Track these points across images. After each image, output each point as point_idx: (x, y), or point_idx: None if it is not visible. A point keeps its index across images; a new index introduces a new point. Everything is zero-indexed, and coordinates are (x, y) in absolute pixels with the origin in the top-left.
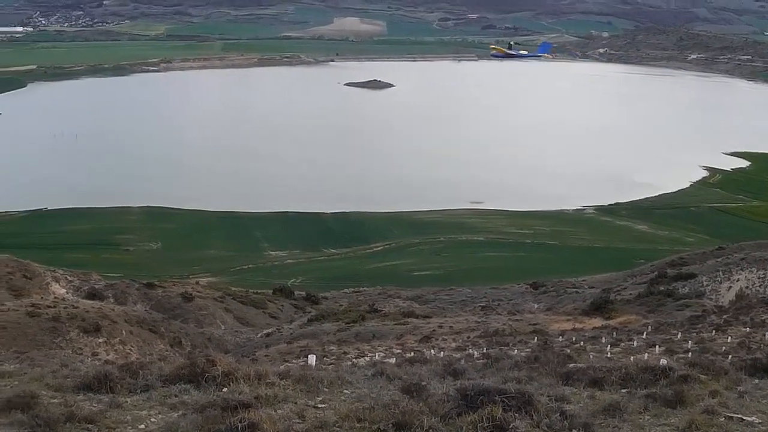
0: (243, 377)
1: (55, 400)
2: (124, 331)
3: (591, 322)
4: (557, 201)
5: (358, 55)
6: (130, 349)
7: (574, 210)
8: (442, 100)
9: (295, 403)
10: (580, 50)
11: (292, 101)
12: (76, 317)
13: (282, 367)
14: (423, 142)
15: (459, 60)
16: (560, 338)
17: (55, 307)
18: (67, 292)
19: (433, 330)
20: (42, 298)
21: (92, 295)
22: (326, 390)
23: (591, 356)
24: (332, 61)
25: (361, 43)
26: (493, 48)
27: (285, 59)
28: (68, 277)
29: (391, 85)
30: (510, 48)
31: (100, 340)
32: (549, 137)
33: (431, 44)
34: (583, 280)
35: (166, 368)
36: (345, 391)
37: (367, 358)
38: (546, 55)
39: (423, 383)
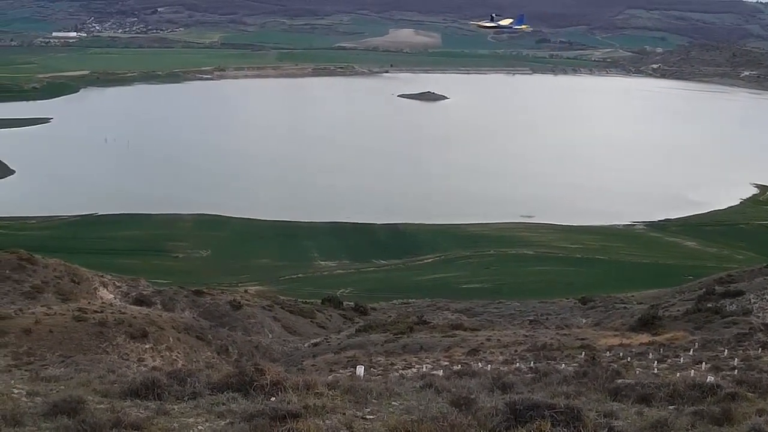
0: (292, 387)
1: (102, 406)
2: (171, 338)
3: (638, 338)
4: (608, 216)
5: (413, 66)
6: (176, 356)
7: (624, 225)
8: (494, 113)
9: (344, 413)
10: (634, 65)
11: (346, 112)
12: (123, 323)
13: (330, 377)
14: (475, 154)
15: (513, 73)
16: (608, 353)
17: (102, 312)
18: (115, 298)
19: (481, 343)
20: (89, 302)
21: (140, 301)
22: (374, 401)
23: (638, 372)
24: (386, 72)
25: (415, 55)
26: (476, 24)
27: (339, 69)
28: (116, 283)
29: (444, 98)
30: (492, 19)
31: (147, 346)
32: (601, 152)
33: (485, 57)
34: (632, 296)
35: (214, 376)
36: (393, 403)
37: (414, 370)
38: (523, 26)
39: (472, 396)
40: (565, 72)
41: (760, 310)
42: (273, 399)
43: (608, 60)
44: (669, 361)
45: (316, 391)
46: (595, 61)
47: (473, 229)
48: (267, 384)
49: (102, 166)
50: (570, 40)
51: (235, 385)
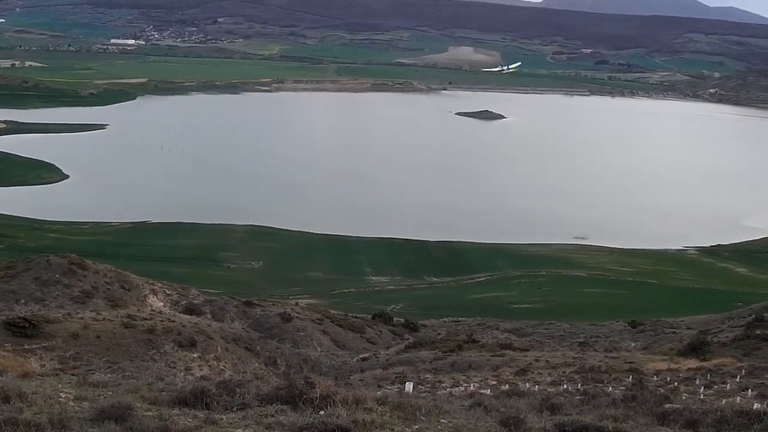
0: (341, 401)
1: (150, 413)
2: (219, 348)
3: (686, 363)
4: (661, 240)
5: (471, 84)
6: (224, 366)
7: (676, 250)
8: (551, 133)
9: (392, 429)
10: (691, 90)
11: (403, 128)
12: (171, 331)
13: (378, 392)
14: (530, 174)
15: (571, 94)
16: (655, 378)
17: (151, 319)
18: (165, 306)
19: (530, 363)
20: (139, 309)
21: (190, 310)
22: (423, 418)
23: (684, 397)
24: (444, 89)
25: (474, 73)
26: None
27: (397, 85)
28: (167, 291)
29: (502, 117)
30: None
31: (195, 355)
32: (655, 176)
33: (544, 77)
34: (681, 321)
35: (264, 387)
36: (442, 421)
37: (462, 388)
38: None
39: (521, 416)
40: (622, 94)
41: None
42: (322, 413)
43: (666, 83)
44: (716, 387)
45: (366, 406)
46: (652, 84)
47: (527, 249)
48: (316, 397)
49: (157, 173)
50: (629, 63)
51: (284, 397)
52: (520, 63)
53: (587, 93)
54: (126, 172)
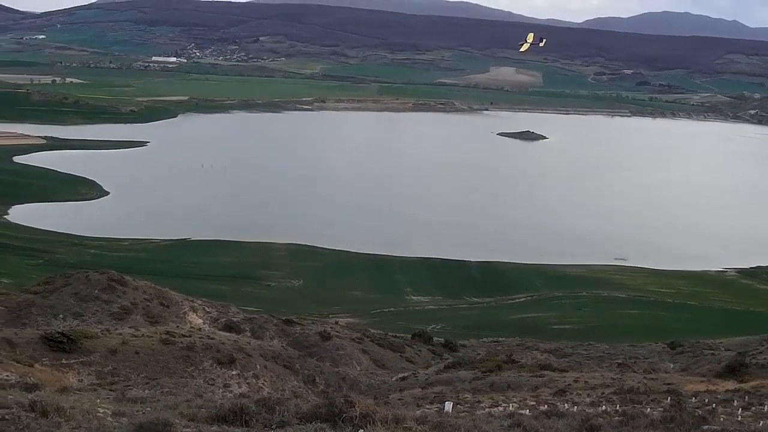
0: (380, 420)
1: (189, 430)
2: (258, 366)
3: (724, 384)
4: (700, 262)
5: (513, 105)
6: (263, 384)
7: (715, 271)
8: (593, 154)
9: None
10: (732, 111)
11: (445, 148)
12: (210, 348)
13: (418, 412)
14: (572, 195)
15: (612, 115)
16: (693, 399)
17: (190, 336)
18: (204, 323)
19: (569, 384)
20: (178, 326)
21: (229, 327)
22: None
23: (722, 419)
24: (486, 110)
25: (515, 93)
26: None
27: (439, 105)
28: (206, 308)
29: (543, 137)
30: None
31: (234, 373)
32: (695, 196)
33: (585, 98)
34: (720, 342)
35: (303, 406)
36: None
37: (501, 408)
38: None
39: None
40: (663, 115)
41: None
42: (361, 431)
43: (707, 104)
44: (753, 408)
45: (405, 425)
46: (693, 105)
47: (567, 270)
48: (356, 416)
49: (197, 191)
50: (669, 83)
51: (323, 415)
52: (532, 34)
53: (628, 114)
54: (166, 189)
